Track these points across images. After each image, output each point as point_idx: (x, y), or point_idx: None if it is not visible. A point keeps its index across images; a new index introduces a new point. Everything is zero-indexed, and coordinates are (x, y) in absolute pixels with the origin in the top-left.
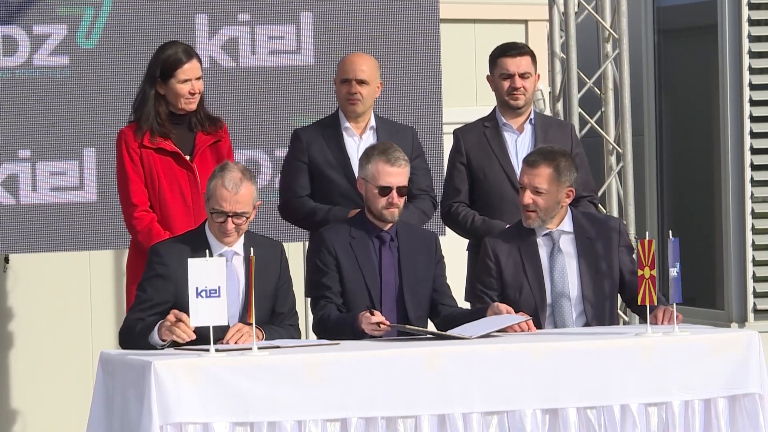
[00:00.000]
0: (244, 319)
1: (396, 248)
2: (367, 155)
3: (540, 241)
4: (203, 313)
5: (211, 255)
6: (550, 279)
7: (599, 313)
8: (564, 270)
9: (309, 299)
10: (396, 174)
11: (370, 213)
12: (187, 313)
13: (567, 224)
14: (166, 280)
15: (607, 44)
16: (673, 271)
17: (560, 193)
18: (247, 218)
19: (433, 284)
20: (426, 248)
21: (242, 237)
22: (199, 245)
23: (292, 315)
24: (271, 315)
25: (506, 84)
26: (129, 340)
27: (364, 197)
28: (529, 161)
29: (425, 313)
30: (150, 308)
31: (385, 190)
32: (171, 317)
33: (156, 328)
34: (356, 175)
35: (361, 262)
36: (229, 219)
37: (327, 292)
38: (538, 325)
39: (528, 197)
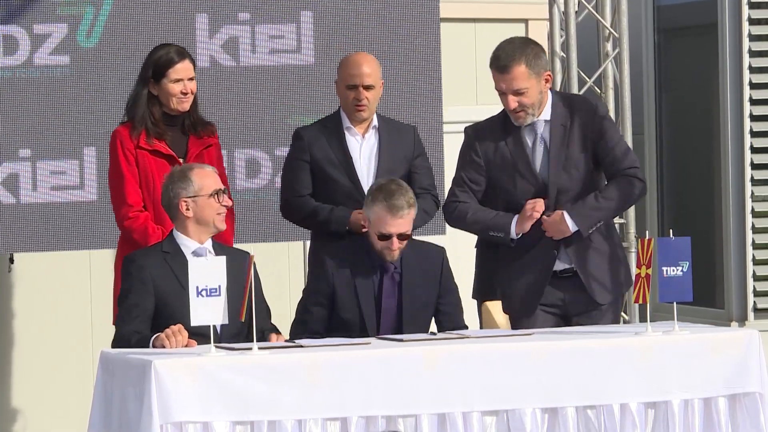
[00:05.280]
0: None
1: (399, 274)
2: (373, 196)
3: (524, 132)
4: (203, 312)
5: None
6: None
7: (574, 198)
8: (544, 159)
9: None
10: (397, 225)
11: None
12: (177, 312)
13: (546, 112)
14: (145, 284)
15: (607, 43)
16: (671, 270)
17: (540, 83)
18: None
19: (438, 305)
20: (431, 270)
21: (210, 240)
22: (170, 246)
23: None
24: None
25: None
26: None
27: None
28: (500, 66)
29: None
30: (139, 316)
31: (384, 237)
32: (175, 328)
33: (152, 339)
34: (358, 174)
35: (359, 290)
36: (224, 194)
37: (309, 322)
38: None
39: (513, 101)
